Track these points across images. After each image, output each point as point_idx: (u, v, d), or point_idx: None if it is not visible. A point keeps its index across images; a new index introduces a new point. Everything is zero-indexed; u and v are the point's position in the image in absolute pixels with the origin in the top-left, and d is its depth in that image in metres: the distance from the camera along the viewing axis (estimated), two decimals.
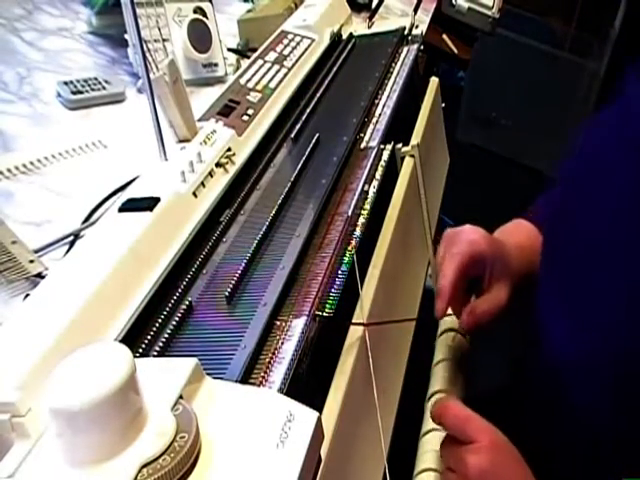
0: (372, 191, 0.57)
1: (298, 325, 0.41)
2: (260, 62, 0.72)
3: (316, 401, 0.40)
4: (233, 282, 0.44)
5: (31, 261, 0.56)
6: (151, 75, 0.51)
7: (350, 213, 0.52)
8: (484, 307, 0.56)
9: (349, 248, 0.49)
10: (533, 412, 0.58)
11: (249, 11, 1.06)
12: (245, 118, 0.62)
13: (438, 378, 0.57)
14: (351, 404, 0.42)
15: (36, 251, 0.59)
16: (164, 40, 0.85)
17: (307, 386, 0.40)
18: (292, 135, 0.63)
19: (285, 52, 0.75)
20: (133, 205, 0.47)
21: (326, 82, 0.74)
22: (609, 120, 0.53)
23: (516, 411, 0.61)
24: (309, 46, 0.78)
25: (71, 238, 0.62)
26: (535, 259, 0.59)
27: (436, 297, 0.55)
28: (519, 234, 0.63)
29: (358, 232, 0.51)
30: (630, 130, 0.48)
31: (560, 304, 0.52)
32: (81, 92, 0.82)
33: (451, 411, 0.46)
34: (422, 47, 0.85)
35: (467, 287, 0.59)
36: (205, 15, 0.92)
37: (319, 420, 0.31)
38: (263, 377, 0.38)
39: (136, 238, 0.43)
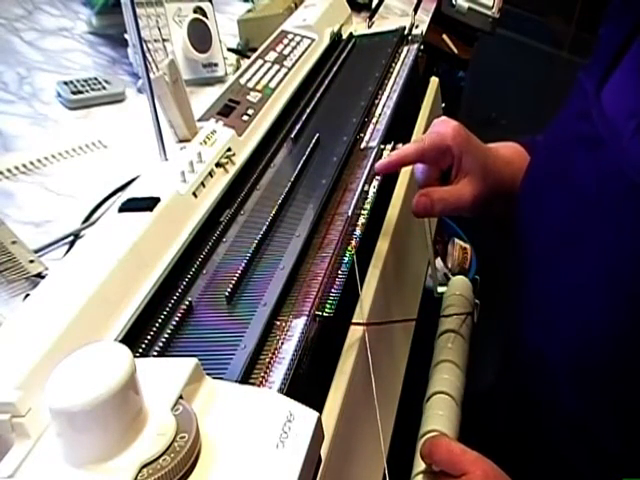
0: (372, 191, 0.57)
1: (298, 325, 0.41)
2: (260, 62, 0.72)
3: (316, 401, 0.40)
4: (233, 282, 0.45)
5: (31, 261, 0.56)
6: (151, 75, 0.51)
7: (350, 213, 0.52)
8: (441, 194, 0.53)
9: (349, 248, 0.49)
10: (517, 407, 0.58)
11: (249, 11, 1.06)
12: (245, 118, 0.62)
13: (438, 379, 0.57)
14: (351, 404, 0.42)
15: (36, 251, 0.59)
16: (164, 40, 0.85)
17: (307, 386, 0.40)
18: (292, 135, 0.63)
19: (285, 52, 0.75)
20: (133, 205, 0.47)
21: (326, 82, 0.74)
22: (567, 115, 0.53)
23: (504, 407, 0.61)
24: (309, 46, 0.78)
25: (71, 238, 0.62)
26: (519, 173, 0.58)
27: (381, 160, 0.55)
28: (511, 150, 0.61)
29: (358, 232, 0.51)
30: (586, 128, 0.47)
31: (533, 304, 0.52)
32: (81, 92, 0.82)
33: (442, 447, 0.46)
34: (422, 47, 0.85)
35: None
36: (205, 15, 0.92)
37: (319, 420, 0.31)
38: (263, 377, 0.38)
39: (136, 238, 0.43)
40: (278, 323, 0.42)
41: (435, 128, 0.56)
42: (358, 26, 0.93)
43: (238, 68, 0.96)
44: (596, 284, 0.44)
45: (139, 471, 0.27)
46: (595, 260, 0.44)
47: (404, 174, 0.65)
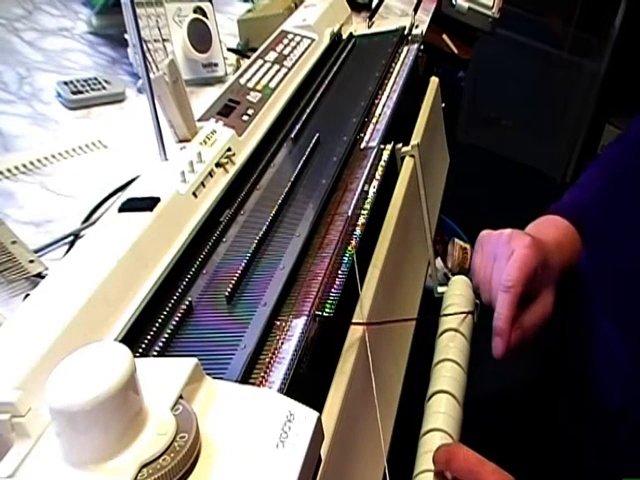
0: (372, 191, 0.57)
1: (298, 325, 0.41)
2: (260, 62, 0.72)
3: (316, 401, 0.40)
4: (233, 282, 0.44)
5: (31, 261, 0.56)
6: (151, 75, 0.51)
7: (350, 213, 0.52)
8: (532, 320, 0.53)
9: (349, 248, 0.49)
10: (565, 412, 0.57)
11: (249, 11, 1.06)
12: (245, 118, 0.62)
13: (438, 378, 0.57)
14: (351, 404, 0.42)
15: (36, 251, 0.59)
16: (164, 40, 0.85)
17: (307, 386, 0.40)
18: (292, 135, 0.63)
19: (285, 52, 0.75)
20: (133, 205, 0.46)
21: (326, 82, 0.74)
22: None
23: (544, 410, 0.59)
24: (309, 46, 0.78)
25: (71, 238, 0.62)
26: (572, 254, 0.57)
27: (494, 335, 0.52)
28: (556, 230, 0.59)
29: (358, 232, 0.51)
30: None
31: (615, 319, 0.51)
32: (81, 92, 0.82)
33: (459, 456, 0.46)
34: (422, 47, 0.85)
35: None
36: (205, 15, 0.92)
37: (319, 420, 0.31)
38: (263, 377, 0.38)
39: (136, 238, 0.43)
40: (278, 323, 0.42)
41: (512, 250, 0.52)
42: (358, 26, 0.93)
43: (238, 68, 0.96)
44: None
45: (139, 471, 0.27)
46: None
47: (404, 174, 0.65)
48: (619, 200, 0.54)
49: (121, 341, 0.38)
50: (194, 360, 0.32)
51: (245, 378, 0.37)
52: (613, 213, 0.54)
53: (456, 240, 1.35)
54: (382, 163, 0.61)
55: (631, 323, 0.48)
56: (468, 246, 1.35)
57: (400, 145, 0.66)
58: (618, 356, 0.49)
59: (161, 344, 0.40)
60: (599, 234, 0.55)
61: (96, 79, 0.85)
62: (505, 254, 0.52)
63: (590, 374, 0.54)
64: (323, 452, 0.33)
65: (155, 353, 0.39)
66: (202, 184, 0.51)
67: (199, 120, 0.60)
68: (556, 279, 0.55)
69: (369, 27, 0.92)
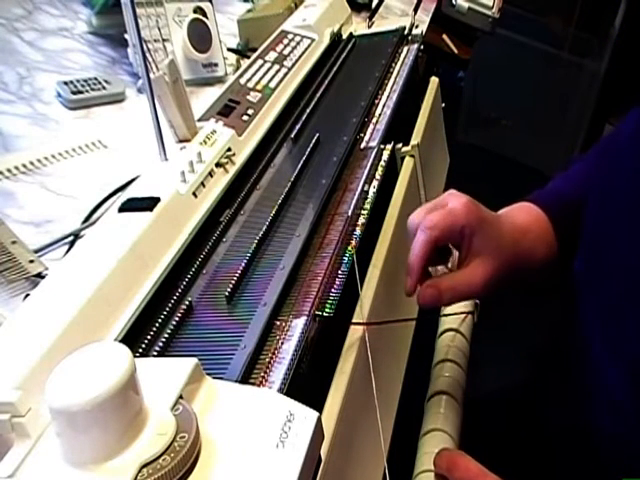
0: (372, 191, 0.57)
1: (298, 325, 0.41)
2: (260, 62, 0.72)
3: (316, 401, 0.40)
4: (233, 282, 0.45)
5: (31, 261, 0.56)
6: (151, 75, 0.51)
7: (350, 213, 0.52)
8: (449, 283, 0.48)
9: (349, 248, 0.49)
10: (557, 425, 0.57)
11: (249, 11, 1.06)
12: (245, 118, 0.62)
13: (438, 378, 0.57)
14: (351, 404, 0.42)
15: (36, 251, 0.59)
16: (164, 40, 0.85)
17: (307, 386, 0.40)
18: (292, 135, 0.63)
19: (285, 52, 0.75)
20: (133, 205, 0.47)
21: (326, 82, 0.74)
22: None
23: (537, 413, 0.59)
24: (309, 46, 0.78)
25: (71, 238, 0.62)
26: (542, 244, 0.55)
27: (406, 273, 0.49)
28: (527, 215, 0.56)
29: (358, 232, 0.51)
30: None
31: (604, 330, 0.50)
32: (81, 92, 0.82)
33: (461, 466, 0.45)
34: (422, 47, 0.85)
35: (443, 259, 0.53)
36: (205, 15, 0.92)
37: (319, 420, 0.31)
38: (263, 377, 0.38)
39: (136, 238, 0.43)
40: (278, 323, 0.42)
41: (446, 203, 0.50)
42: (358, 26, 0.93)
43: (238, 68, 0.96)
44: None
45: (139, 471, 0.27)
46: None
47: (404, 174, 0.65)
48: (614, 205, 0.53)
49: (121, 341, 0.38)
50: (194, 360, 0.32)
51: (245, 378, 0.37)
52: (609, 219, 0.53)
53: None
54: (382, 163, 0.61)
55: (623, 348, 0.48)
56: None
57: (400, 145, 0.66)
58: (609, 380, 0.49)
59: (161, 344, 0.40)
60: (595, 246, 0.54)
61: (96, 79, 0.85)
62: (438, 206, 0.50)
63: (581, 394, 0.54)
64: (323, 452, 0.33)
65: (155, 353, 0.39)
66: (202, 184, 0.51)
67: (199, 120, 0.60)
68: (500, 254, 0.50)
69: (369, 27, 0.92)
